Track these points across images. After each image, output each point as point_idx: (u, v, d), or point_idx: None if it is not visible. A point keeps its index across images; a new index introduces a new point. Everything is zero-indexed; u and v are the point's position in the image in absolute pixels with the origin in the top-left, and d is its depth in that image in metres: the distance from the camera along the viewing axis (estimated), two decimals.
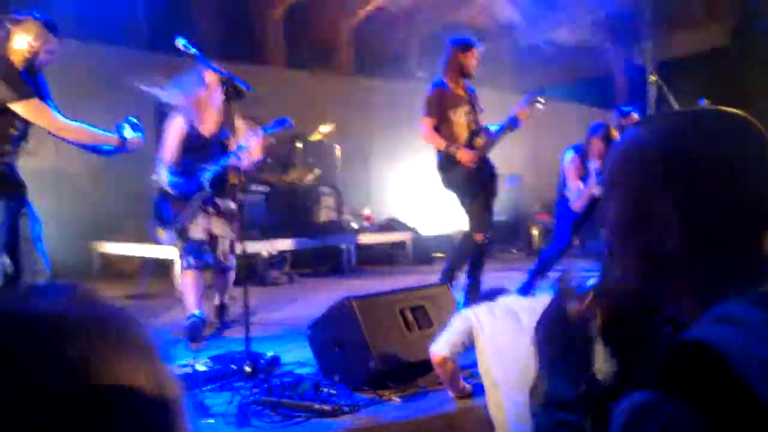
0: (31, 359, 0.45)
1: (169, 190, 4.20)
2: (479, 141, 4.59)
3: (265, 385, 2.83)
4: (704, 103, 6.01)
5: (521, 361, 2.27)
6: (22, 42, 3.29)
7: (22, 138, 3.45)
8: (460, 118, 4.59)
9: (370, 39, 10.73)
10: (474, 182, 4.52)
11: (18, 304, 0.50)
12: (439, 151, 4.57)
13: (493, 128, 4.68)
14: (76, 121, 3.54)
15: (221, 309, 4.42)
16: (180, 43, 3.44)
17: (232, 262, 4.31)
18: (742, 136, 0.84)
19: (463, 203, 4.63)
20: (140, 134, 3.65)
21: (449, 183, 4.58)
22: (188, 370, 3.00)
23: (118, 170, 6.84)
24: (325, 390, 2.79)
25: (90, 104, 6.81)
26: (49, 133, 3.53)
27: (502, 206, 8.52)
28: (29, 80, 3.36)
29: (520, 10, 11.36)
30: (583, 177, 4.82)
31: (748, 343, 0.70)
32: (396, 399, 2.75)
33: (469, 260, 4.65)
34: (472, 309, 2.49)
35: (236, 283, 4.26)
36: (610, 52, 11.79)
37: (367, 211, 7.87)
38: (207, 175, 4.10)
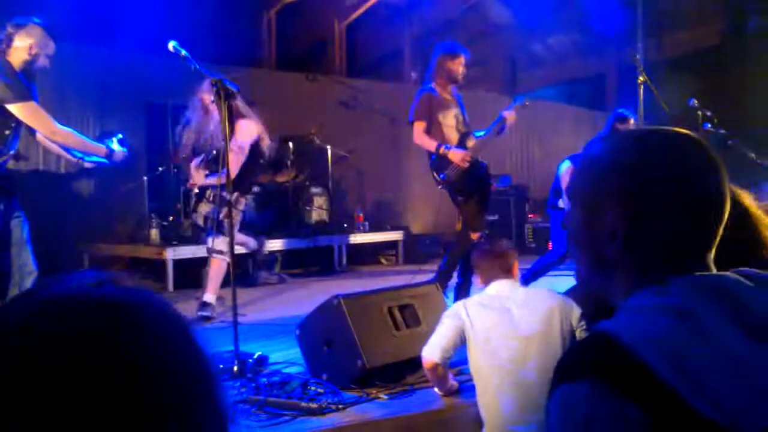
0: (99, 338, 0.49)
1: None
2: (470, 142, 4.62)
3: (253, 384, 2.84)
4: (693, 103, 6.05)
5: (513, 357, 2.26)
6: (23, 45, 3.35)
7: (14, 140, 3.46)
8: (449, 120, 4.62)
9: (363, 40, 10.74)
10: (467, 181, 4.55)
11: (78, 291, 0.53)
12: (431, 152, 4.60)
13: (479, 133, 4.73)
14: (68, 126, 3.58)
15: (203, 306, 4.47)
16: (171, 45, 3.45)
17: (218, 246, 4.45)
18: (685, 155, 0.92)
19: (457, 202, 4.66)
20: (125, 150, 3.77)
21: (443, 181, 4.60)
22: None
23: (109, 171, 6.82)
24: (313, 388, 2.79)
25: (82, 106, 6.81)
26: (41, 136, 3.56)
27: (492, 206, 8.56)
28: (26, 83, 3.39)
29: (513, 12, 11.40)
30: None
31: (643, 327, 0.82)
32: (383, 397, 2.76)
33: (461, 259, 4.67)
34: (462, 303, 2.48)
35: (226, 283, 4.26)
36: (602, 53, 11.83)
37: (358, 211, 7.87)
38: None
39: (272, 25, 9.52)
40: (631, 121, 6.45)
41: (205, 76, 3.65)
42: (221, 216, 4.39)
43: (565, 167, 5.03)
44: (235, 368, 2.99)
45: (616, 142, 0.97)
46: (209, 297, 4.52)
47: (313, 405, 2.62)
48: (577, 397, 0.78)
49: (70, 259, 6.39)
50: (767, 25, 10.09)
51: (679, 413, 0.74)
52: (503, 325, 2.32)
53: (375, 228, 7.86)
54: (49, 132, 3.46)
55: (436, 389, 2.74)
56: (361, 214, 7.80)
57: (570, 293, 2.52)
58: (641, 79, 5.16)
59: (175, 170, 6.58)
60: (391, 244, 8.01)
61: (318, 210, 7.35)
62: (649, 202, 0.90)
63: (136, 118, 7.11)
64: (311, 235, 7.00)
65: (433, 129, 4.59)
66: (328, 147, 7.69)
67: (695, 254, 0.91)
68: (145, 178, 6.49)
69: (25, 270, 3.45)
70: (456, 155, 4.47)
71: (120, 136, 3.79)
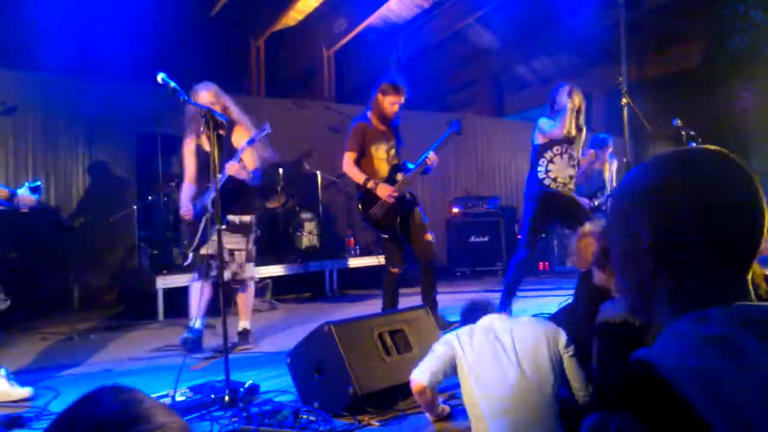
0: None
1: (182, 214, 4.46)
2: (400, 175, 4.65)
3: (245, 414, 2.82)
4: (677, 123, 6.14)
5: (504, 386, 2.27)
6: None
7: None
8: (381, 153, 4.66)
9: (350, 66, 10.85)
10: (391, 219, 4.59)
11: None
12: (358, 185, 4.63)
13: (410, 165, 4.74)
14: None
15: (244, 334, 4.54)
16: (160, 77, 3.44)
17: (249, 273, 4.50)
18: (710, 168, 0.90)
19: (380, 239, 4.74)
20: (36, 197, 3.61)
21: (368, 218, 4.64)
22: (167, 400, 2.99)
23: (98, 201, 6.84)
24: (305, 417, 2.78)
25: (72, 136, 6.83)
26: None
27: (481, 228, 8.60)
28: None
29: (498, 36, 11.55)
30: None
31: (682, 355, 0.80)
32: (375, 423, 2.75)
33: (420, 287, 4.71)
34: (455, 333, 2.51)
35: (215, 311, 4.25)
36: (585, 75, 12.00)
37: (349, 236, 7.89)
38: (209, 196, 4.22)
39: (260, 53, 9.61)
40: (610, 147, 6.58)
41: (194, 107, 3.68)
42: (250, 245, 4.47)
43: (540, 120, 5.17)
44: (227, 398, 2.99)
45: (643, 165, 0.98)
46: (248, 324, 4.58)
47: None
48: (610, 427, 0.79)
49: (60, 290, 6.36)
50: (748, 44, 10.27)
51: None
52: (494, 355, 2.34)
53: (366, 252, 7.86)
54: None
55: (427, 414, 2.74)
56: (352, 239, 7.82)
57: (557, 317, 2.54)
58: (625, 100, 5.24)
59: (165, 199, 6.59)
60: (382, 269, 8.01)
61: (308, 235, 7.36)
62: (674, 214, 0.89)
63: (126, 147, 7.13)
64: (302, 261, 7.00)
65: (365, 160, 4.62)
66: (318, 172, 7.73)
67: (731, 271, 0.90)
68: (135, 207, 6.49)
69: None
70: (383, 191, 4.51)
71: (38, 183, 3.64)
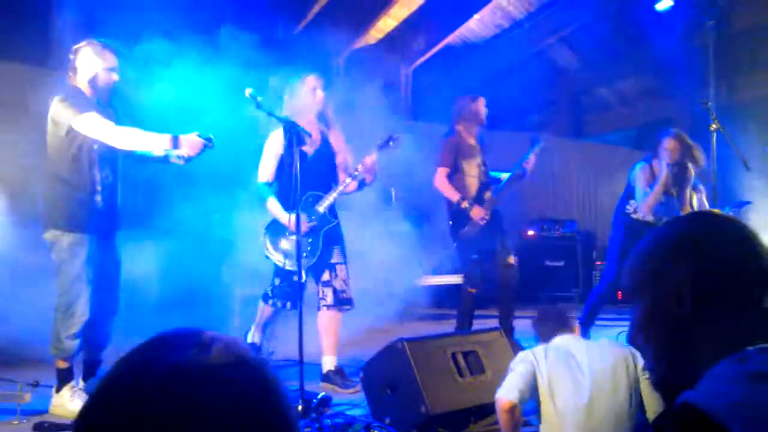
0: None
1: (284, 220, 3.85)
2: (488, 194, 4.61)
3: (317, 425, 2.87)
4: None
5: (581, 405, 2.27)
6: (83, 66, 3.35)
7: (111, 166, 3.41)
8: (472, 169, 4.62)
9: (427, 84, 10.91)
10: (479, 241, 4.54)
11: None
12: (450, 202, 4.58)
13: (503, 175, 4.73)
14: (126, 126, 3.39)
15: (340, 372, 3.86)
16: (248, 91, 3.52)
17: (352, 292, 3.95)
18: (748, 235, 0.99)
19: (462, 257, 4.66)
20: (204, 140, 3.33)
21: (457, 235, 4.59)
22: None
23: None
24: None
25: None
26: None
27: (558, 252, 8.42)
28: (102, 106, 3.37)
29: (580, 56, 11.37)
30: (651, 185, 4.71)
31: (726, 393, 0.86)
32: None
33: (498, 310, 4.62)
34: (530, 350, 2.50)
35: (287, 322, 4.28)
36: (671, 97, 11.62)
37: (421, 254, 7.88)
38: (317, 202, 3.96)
39: (340, 71, 9.80)
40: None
41: (277, 121, 3.74)
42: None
43: (640, 167, 4.94)
44: (300, 408, 3.03)
45: (662, 226, 1.05)
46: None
47: None
48: None
49: None
50: None
51: None
52: (571, 373, 2.34)
53: (438, 271, 7.83)
54: (112, 139, 3.25)
55: None
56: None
57: None
58: (714, 126, 5.03)
59: None
60: (455, 288, 7.96)
61: None
62: (715, 262, 0.96)
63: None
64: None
65: (456, 176, 4.58)
66: (392, 188, 7.77)
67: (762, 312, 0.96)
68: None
69: (106, 306, 3.37)
70: (477, 213, 4.45)
71: (210, 135, 3.37)
